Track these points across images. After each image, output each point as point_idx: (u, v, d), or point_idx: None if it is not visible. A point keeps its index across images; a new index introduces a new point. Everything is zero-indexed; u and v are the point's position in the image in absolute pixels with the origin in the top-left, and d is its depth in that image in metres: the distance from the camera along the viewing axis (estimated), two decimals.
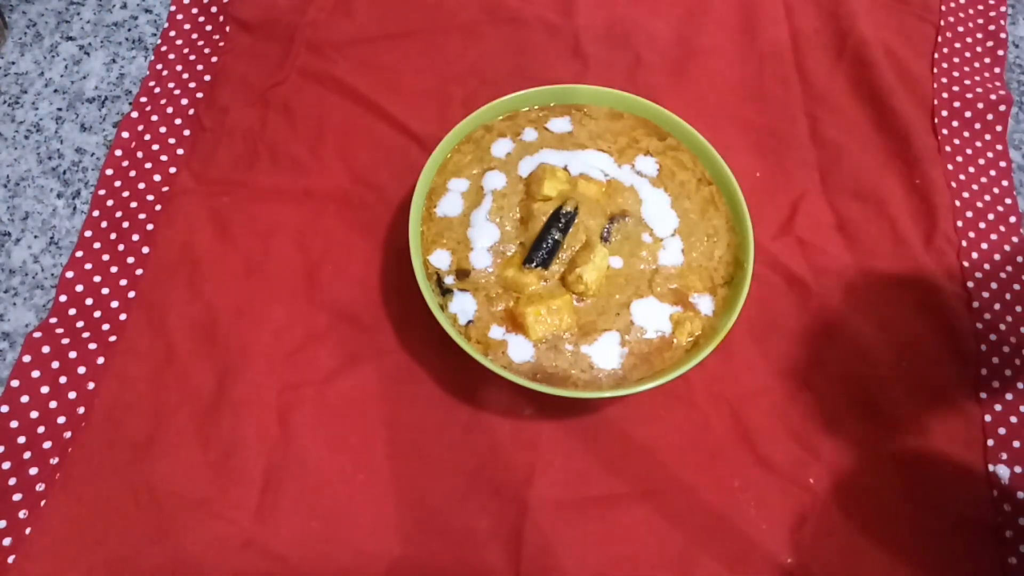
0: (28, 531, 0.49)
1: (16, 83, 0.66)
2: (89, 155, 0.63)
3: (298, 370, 0.55)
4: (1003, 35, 0.73)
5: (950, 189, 0.64)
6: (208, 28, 0.69)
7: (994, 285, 0.61)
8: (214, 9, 0.69)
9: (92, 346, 0.55)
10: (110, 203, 0.60)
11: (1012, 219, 0.64)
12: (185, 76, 0.66)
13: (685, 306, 0.52)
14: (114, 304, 0.56)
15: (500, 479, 0.52)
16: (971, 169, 0.66)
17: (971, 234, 0.63)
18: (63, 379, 0.53)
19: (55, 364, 0.54)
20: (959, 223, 0.63)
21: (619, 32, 0.70)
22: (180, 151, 0.63)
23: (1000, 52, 0.72)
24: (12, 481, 0.50)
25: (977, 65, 0.71)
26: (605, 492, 0.52)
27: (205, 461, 0.52)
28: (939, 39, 0.72)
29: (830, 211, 0.63)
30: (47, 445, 0.51)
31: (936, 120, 0.67)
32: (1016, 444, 0.55)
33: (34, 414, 0.52)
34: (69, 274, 0.57)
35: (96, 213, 0.60)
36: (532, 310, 0.50)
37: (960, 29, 0.73)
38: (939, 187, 0.64)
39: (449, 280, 0.52)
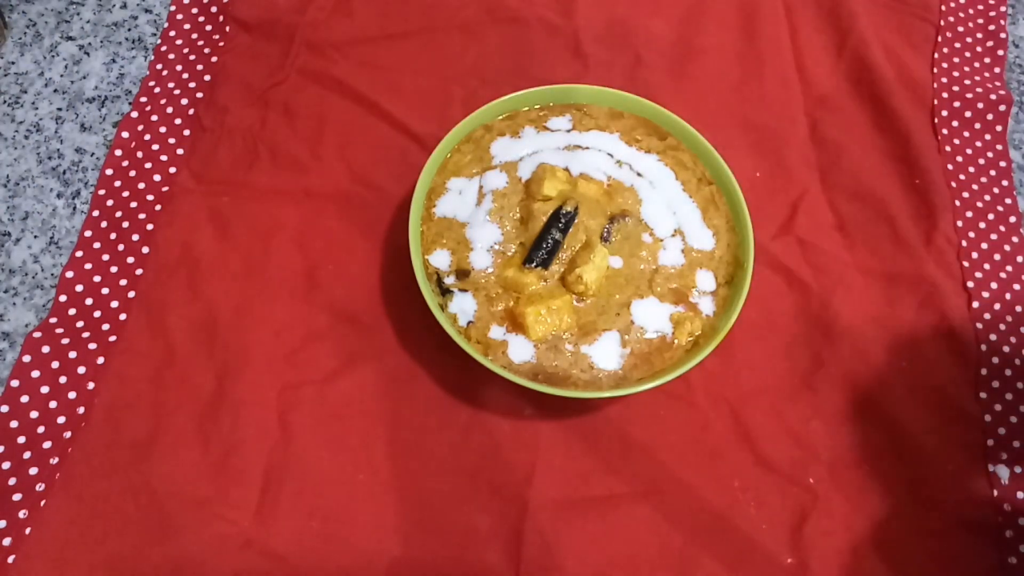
0: (28, 531, 0.49)
1: (16, 83, 0.66)
2: (89, 155, 0.63)
3: (298, 370, 0.55)
4: (1003, 35, 0.73)
5: (950, 189, 0.64)
6: (208, 28, 0.69)
7: (994, 285, 0.61)
8: (214, 9, 0.69)
9: (92, 346, 0.55)
10: (110, 203, 0.60)
11: (1012, 219, 0.64)
12: (185, 76, 0.66)
13: (685, 306, 0.52)
14: (114, 304, 0.56)
15: (500, 479, 0.52)
16: (971, 169, 0.66)
17: (971, 234, 0.63)
18: (63, 379, 0.53)
19: (55, 364, 0.54)
20: (959, 223, 0.63)
21: (619, 32, 0.70)
22: (180, 151, 0.63)
23: (1000, 52, 0.72)
24: (12, 481, 0.50)
25: (977, 65, 0.71)
26: (605, 492, 0.52)
27: (205, 461, 0.52)
28: (939, 39, 0.72)
29: (830, 211, 0.63)
30: (47, 445, 0.51)
31: (936, 120, 0.67)
32: (1016, 444, 0.55)
33: (34, 414, 0.52)
34: (69, 274, 0.57)
35: (96, 213, 0.60)
36: (532, 310, 0.50)
37: (960, 29, 0.73)
38: (939, 187, 0.64)
39: (449, 280, 0.52)
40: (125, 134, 0.63)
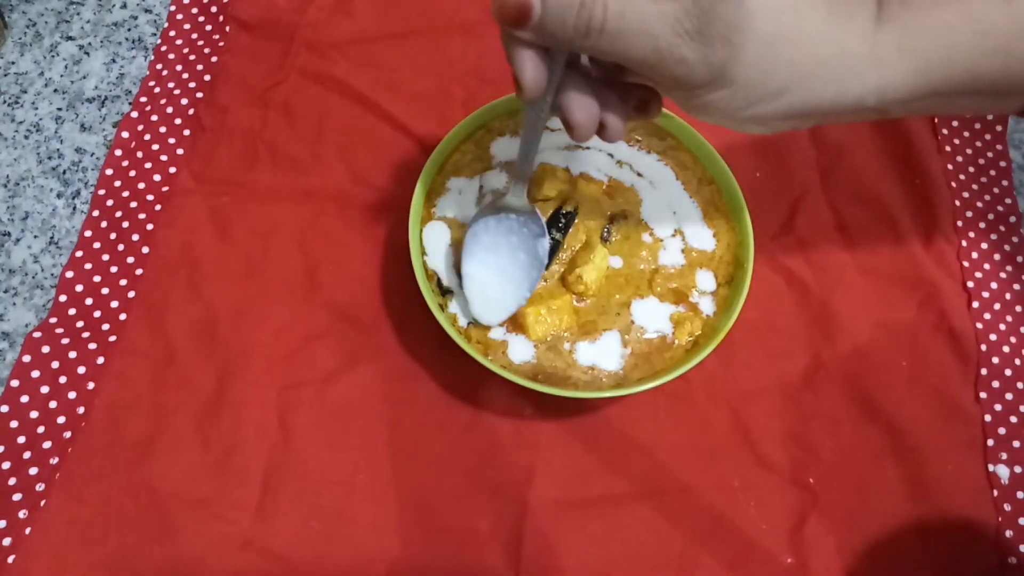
0: (28, 531, 0.49)
1: (16, 83, 0.66)
2: (89, 155, 0.63)
3: (298, 370, 0.55)
4: None
5: (950, 189, 0.64)
6: (208, 28, 0.69)
7: (994, 285, 0.61)
8: (214, 9, 0.69)
9: (92, 346, 0.55)
10: (110, 203, 0.60)
11: (1012, 219, 0.64)
12: (185, 76, 0.66)
13: (685, 306, 0.52)
14: (114, 304, 0.56)
15: (500, 479, 0.52)
16: (971, 169, 0.66)
17: (971, 234, 0.63)
18: (63, 379, 0.53)
19: (55, 364, 0.54)
20: (959, 223, 0.63)
21: None
22: (180, 151, 0.63)
23: None
24: (12, 481, 0.50)
25: None
26: (605, 492, 0.52)
27: (205, 461, 0.52)
28: None
29: (830, 211, 0.63)
30: (47, 445, 0.51)
31: (936, 120, 0.67)
32: (1016, 444, 0.55)
33: (34, 414, 0.52)
34: (69, 274, 0.57)
35: (96, 213, 0.59)
36: (532, 310, 0.50)
37: None
38: (939, 187, 0.64)
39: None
40: (125, 134, 0.63)
